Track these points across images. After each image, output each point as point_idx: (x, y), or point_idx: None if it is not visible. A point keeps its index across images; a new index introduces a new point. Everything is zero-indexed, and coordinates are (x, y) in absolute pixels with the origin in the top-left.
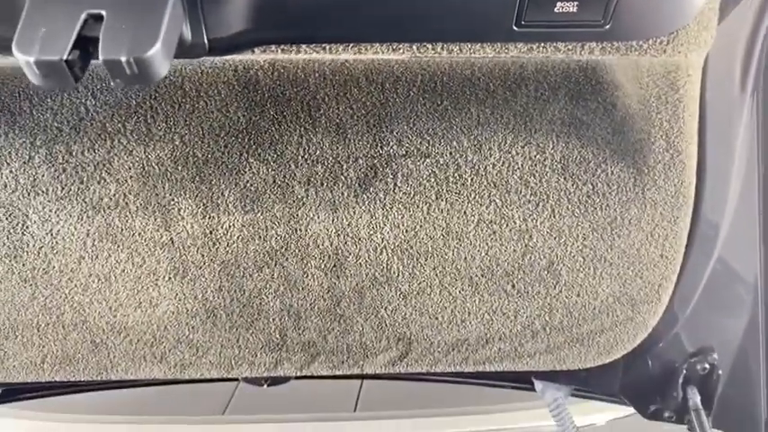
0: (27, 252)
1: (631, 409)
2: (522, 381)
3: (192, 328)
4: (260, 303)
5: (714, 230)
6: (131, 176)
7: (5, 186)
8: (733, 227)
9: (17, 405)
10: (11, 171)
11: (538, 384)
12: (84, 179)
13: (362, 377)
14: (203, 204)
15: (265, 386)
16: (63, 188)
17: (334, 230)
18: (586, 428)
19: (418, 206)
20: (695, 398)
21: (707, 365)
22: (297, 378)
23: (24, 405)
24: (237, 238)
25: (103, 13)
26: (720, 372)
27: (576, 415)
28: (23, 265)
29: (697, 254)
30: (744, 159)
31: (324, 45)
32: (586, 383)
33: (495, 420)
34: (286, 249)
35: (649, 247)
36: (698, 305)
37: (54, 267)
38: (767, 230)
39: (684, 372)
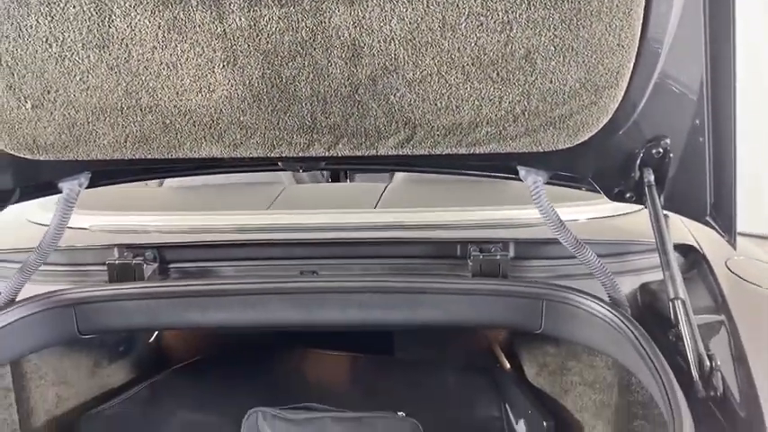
0: (112, 43)
1: (609, 209)
2: (509, 171)
3: (242, 111)
4: (294, 90)
5: (663, 25)
6: None
7: None
8: (681, 25)
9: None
10: None
11: (521, 170)
12: None
13: (377, 162)
14: None
15: (301, 171)
16: None
17: (351, 22)
18: (567, 222)
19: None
20: (650, 177)
21: (660, 150)
22: (325, 166)
23: (92, 202)
24: (275, 29)
25: None
26: (672, 155)
27: (561, 213)
28: (109, 54)
29: (649, 45)
30: None
31: None
32: (562, 168)
33: (497, 215)
34: (314, 40)
35: (608, 36)
36: (652, 96)
37: (133, 57)
38: (713, 29)
39: (642, 155)
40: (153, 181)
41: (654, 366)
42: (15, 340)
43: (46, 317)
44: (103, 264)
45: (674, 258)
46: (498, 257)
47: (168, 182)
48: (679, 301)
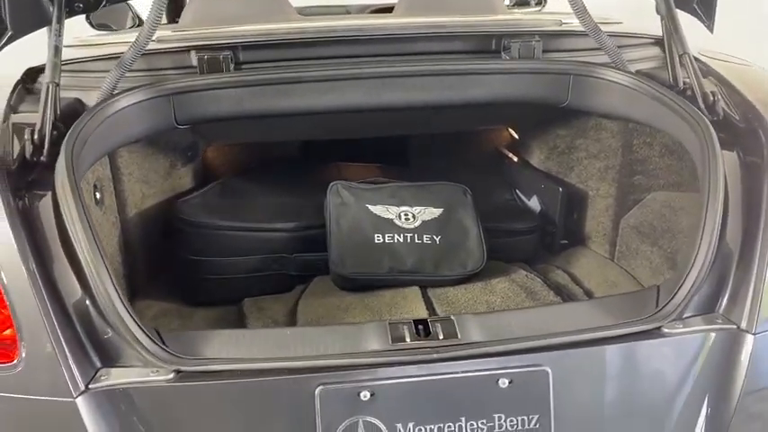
0: None
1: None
2: None
3: None
4: None
5: None
6: None
7: None
8: None
9: None
10: None
11: None
12: None
13: None
14: None
15: None
16: None
17: None
18: None
19: None
20: None
21: None
22: None
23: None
24: None
25: None
26: None
27: None
28: None
29: None
30: None
31: None
32: None
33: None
34: None
35: None
36: None
37: None
38: None
39: None
40: None
41: (674, 102)
42: (121, 127)
43: (147, 106)
44: (182, 67)
45: (680, 23)
46: (532, 43)
47: None
48: (687, 55)
